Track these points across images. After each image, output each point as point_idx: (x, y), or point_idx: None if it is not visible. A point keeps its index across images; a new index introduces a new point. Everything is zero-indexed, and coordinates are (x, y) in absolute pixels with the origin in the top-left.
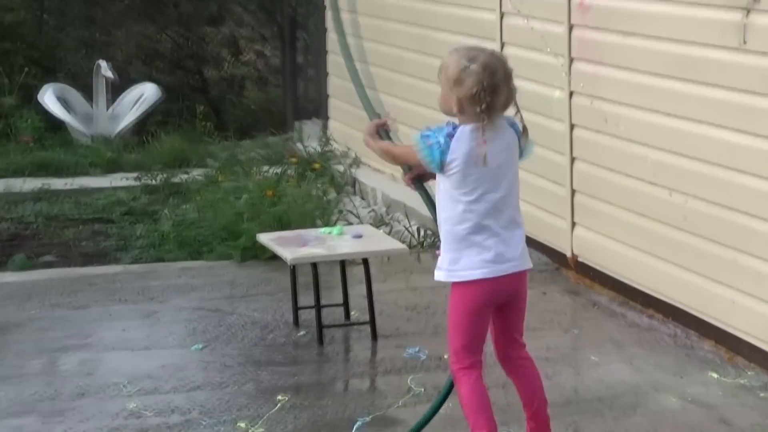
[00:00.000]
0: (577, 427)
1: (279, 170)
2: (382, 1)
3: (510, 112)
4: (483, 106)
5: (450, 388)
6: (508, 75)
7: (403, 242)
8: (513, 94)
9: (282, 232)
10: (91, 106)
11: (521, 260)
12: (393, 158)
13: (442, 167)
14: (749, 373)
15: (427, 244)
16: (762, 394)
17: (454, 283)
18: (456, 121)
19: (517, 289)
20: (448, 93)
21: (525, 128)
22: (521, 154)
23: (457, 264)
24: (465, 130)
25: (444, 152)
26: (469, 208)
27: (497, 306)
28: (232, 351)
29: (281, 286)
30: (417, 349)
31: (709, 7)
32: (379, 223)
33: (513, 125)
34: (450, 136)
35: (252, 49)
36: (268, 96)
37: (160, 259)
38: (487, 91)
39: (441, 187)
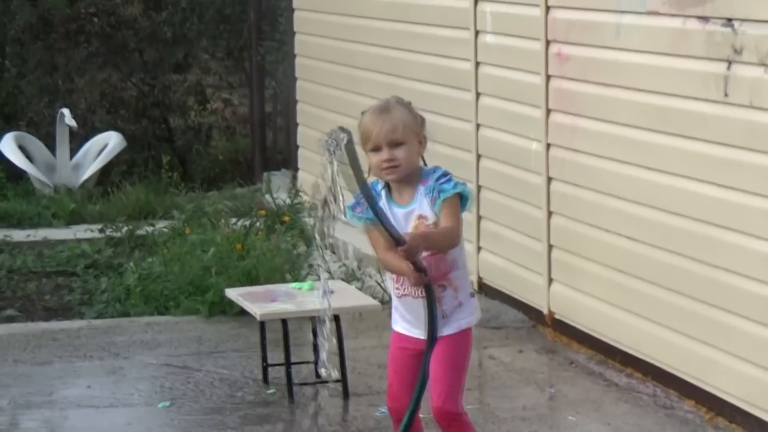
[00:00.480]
0: None
1: (247, 223)
2: (354, 49)
3: None
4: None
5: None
6: None
7: (375, 298)
8: None
9: (251, 287)
10: (54, 156)
11: None
12: (456, 233)
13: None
14: None
15: None
16: None
17: (469, 328)
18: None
19: None
20: (414, 142)
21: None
22: None
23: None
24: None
25: (468, 196)
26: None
27: None
28: (200, 409)
29: (250, 342)
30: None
31: (691, 59)
32: (350, 278)
33: None
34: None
35: (219, 97)
36: (235, 146)
37: (126, 314)
38: None
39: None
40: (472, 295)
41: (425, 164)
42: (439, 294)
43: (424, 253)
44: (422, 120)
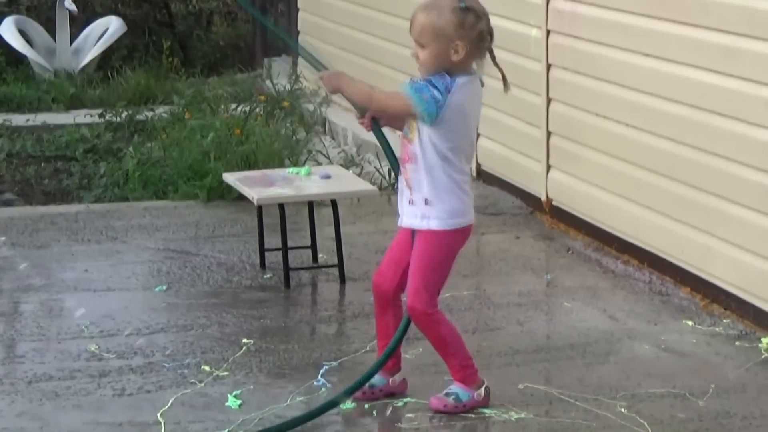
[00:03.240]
0: (549, 374)
1: (247, 108)
2: None
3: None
4: (489, 38)
5: (407, 326)
6: None
7: (374, 184)
8: None
9: (249, 171)
10: (54, 40)
11: None
12: (377, 103)
13: (435, 119)
14: (725, 321)
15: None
16: (737, 343)
17: (441, 231)
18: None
19: None
20: (442, 45)
21: (505, 78)
22: None
23: (452, 212)
24: (461, 84)
25: (442, 107)
26: (453, 159)
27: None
28: (197, 293)
29: (248, 227)
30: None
31: None
32: (349, 163)
33: (480, 78)
34: (447, 90)
35: None
36: (236, 31)
37: (124, 199)
38: (488, 20)
39: (428, 136)
40: (426, 202)
41: (470, 71)
42: (407, 176)
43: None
44: (468, 26)
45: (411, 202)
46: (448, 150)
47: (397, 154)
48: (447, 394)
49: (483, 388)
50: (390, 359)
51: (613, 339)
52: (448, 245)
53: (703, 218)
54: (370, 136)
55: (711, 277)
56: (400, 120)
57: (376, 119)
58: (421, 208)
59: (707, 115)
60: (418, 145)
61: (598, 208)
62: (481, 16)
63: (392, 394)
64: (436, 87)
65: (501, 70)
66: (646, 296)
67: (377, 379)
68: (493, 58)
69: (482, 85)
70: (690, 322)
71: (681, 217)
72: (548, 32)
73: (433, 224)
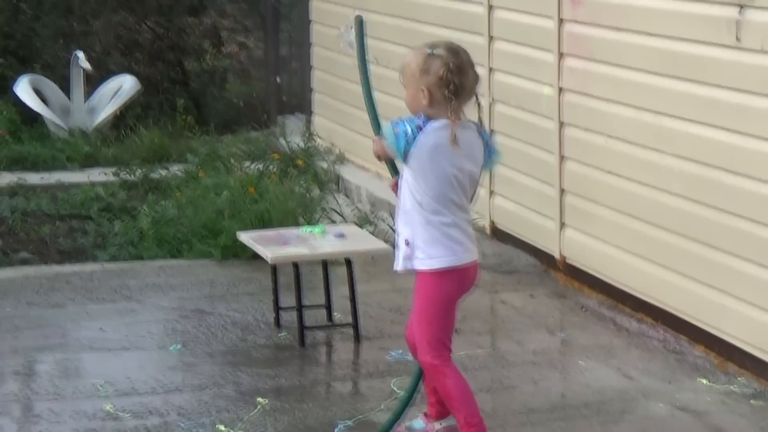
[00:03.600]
0: None
1: (261, 166)
2: None
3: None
4: (451, 87)
5: (419, 379)
6: (470, 58)
7: (388, 242)
8: (478, 78)
9: (263, 230)
10: (68, 99)
11: (474, 250)
12: (382, 152)
13: (405, 157)
14: (740, 379)
15: None
16: (753, 402)
17: (435, 272)
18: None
19: (474, 279)
20: (414, 88)
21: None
22: (486, 163)
23: (432, 254)
24: (435, 126)
25: (409, 143)
26: (434, 202)
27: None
28: (212, 352)
29: (262, 286)
30: (401, 351)
31: (703, 3)
32: (363, 221)
33: (482, 134)
34: (419, 128)
35: (234, 40)
36: (250, 89)
37: (139, 257)
38: (454, 71)
39: (403, 180)
40: (407, 243)
41: (452, 115)
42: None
43: None
44: (432, 72)
45: (397, 246)
46: (424, 193)
47: None
48: None
49: None
50: (408, 406)
51: (628, 397)
52: (437, 290)
53: (717, 276)
54: (384, 194)
55: (725, 335)
56: None
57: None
58: (404, 249)
59: (720, 173)
60: (401, 187)
61: (612, 265)
62: (448, 63)
63: None
64: (409, 124)
65: (480, 118)
66: (661, 354)
67: (418, 423)
68: (471, 106)
69: (480, 134)
70: (705, 381)
71: (695, 275)
72: (561, 90)
73: (417, 264)
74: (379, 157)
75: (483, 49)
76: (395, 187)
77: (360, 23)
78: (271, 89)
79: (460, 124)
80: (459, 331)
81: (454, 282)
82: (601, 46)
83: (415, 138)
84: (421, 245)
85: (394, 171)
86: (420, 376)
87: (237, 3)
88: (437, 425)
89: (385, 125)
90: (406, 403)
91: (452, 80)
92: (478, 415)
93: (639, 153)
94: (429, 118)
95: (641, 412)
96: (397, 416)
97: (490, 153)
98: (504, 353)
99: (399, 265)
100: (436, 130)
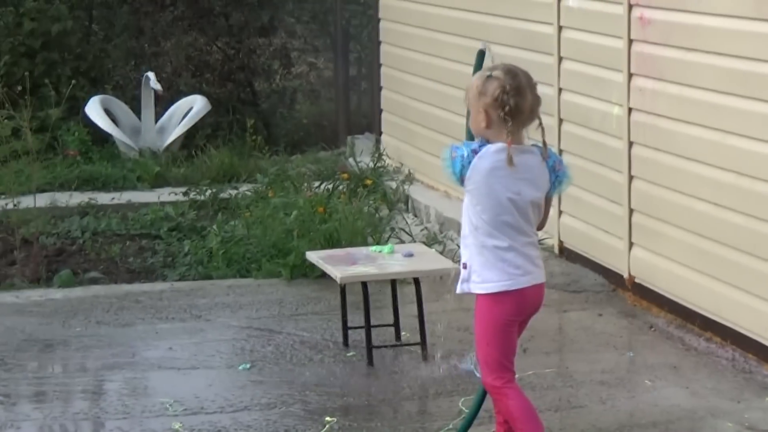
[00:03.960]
0: None
1: (330, 186)
2: (438, 12)
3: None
4: (507, 109)
5: (482, 398)
6: (530, 80)
7: (456, 261)
8: (539, 101)
9: (332, 250)
10: (139, 119)
11: (539, 272)
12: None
13: (462, 181)
14: None
15: None
16: None
17: (490, 295)
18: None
19: (538, 301)
20: (475, 111)
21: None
22: (553, 187)
23: (484, 275)
24: (492, 150)
25: (465, 167)
26: (488, 225)
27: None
28: (280, 371)
29: (331, 305)
30: (470, 364)
31: None
32: (431, 241)
33: (548, 157)
34: (475, 151)
35: (304, 61)
36: (320, 109)
37: (208, 277)
38: (510, 93)
39: (464, 201)
40: (464, 266)
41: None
42: None
43: None
44: (488, 95)
45: (463, 265)
46: (479, 217)
47: None
48: None
49: None
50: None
51: (696, 417)
52: (493, 313)
53: None
54: (453, 213)
55: None
56: None
57: None
58: (462, 272)
59: None
60: (462, 212)
61: (680, 285)
62: (504, 84)
63: None
64: (466, 148)
65: (544, 142)
66: (729, 374)
67: None
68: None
69: (543, 157)
70: None
71: (764, 294)
72: (630, 110)
73: (473, 287)
74: None
75: (553, 69)
76: None
77: (481, 55)
78: (340, 109)
79: (519, 148)
80: (527, 351)
81: (511, 305)
82: (670, 65)
83: (470, 161)
84: (477, 269)
85: None
86: (483, 394)
87: (307, 24)
88: None
89: (445, 149)
90: (470, 421)
91: (508, 102)
92: None
93: (707, 172)
94: (488, 142)
95: (709, 431)
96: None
97: (558, 177)
98: (572, 372)
99: (458, 287)
100: (492, 153)
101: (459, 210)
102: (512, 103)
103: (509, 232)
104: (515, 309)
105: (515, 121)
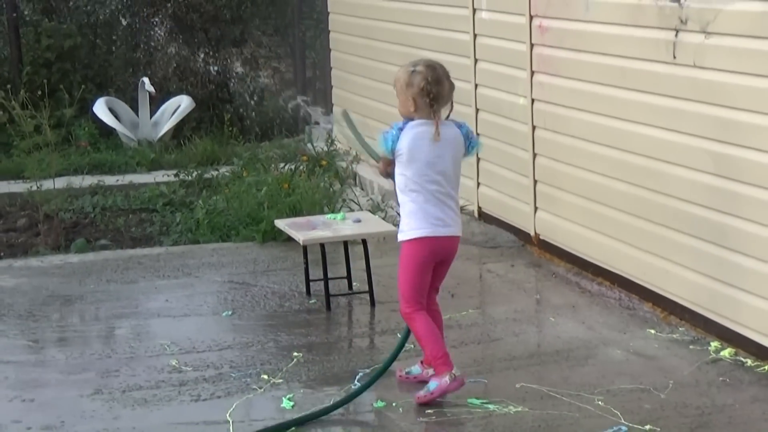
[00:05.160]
0: (540, 375)
1: (293, 167)
2: (377, 25)
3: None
4: (431, 96)
5: (408, 331)
6: (445, 71)
7: (396, 225)
8: (453, 86)
9: (295, 218)
10: (137, 116)
11: (455, 227)
12: (384, 169)
13: (392, 153)
14: (680, 329)
15: None
16: (691, 347)
17: (412, 240)
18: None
19: (451, 250)
20: (403, 97)
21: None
22: (468, 151)
23: (409, 225)
24: (412, 124)
25: (394, 142)
26: (414, 184)
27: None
28: (256, 316)
29: (295, 262)
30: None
31: (646, 28)
32: (375, 209)
33: (461, 127)
34: (400, 129)
35: (269, 65)
36: (283, 105)
37: (196, 242)
38: (432, 83)
39: (396, 168)
40: (399, 217)
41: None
42: None
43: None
44: (415, 85)
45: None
46: (407, 177)
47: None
48: (425, 388)
49: (448, 375)
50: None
51: (591, 345)
52: (410, 253)
53: (660, 245)
54: (392, 187)
55: (669, 293)
56: None
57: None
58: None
59: (660, 163)
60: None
61: (576, 240)
62: (427, 77)
63: (424, 382)
64: (393, 129)
65: (436, 122)
66: (617, 311)
67: (415, 369)
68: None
69: (465, 134)
70: (653, 331)
71: (643, 245)
72: (533, 101)
73: (400, 236)
74: (386, 174)
75: (470, 69)
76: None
77: (346, 116)
78: (299, 105)
79: (441, 123)
80: (454, 296)
81: (428, 249)
82: (564, 64)
83: (398, 137)
84: (404, 220)
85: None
86: (408, 330)
87: (271, 36)
88: (430, 371)
89: (380, 133)
90: (399, 349)
91: (431, 90)
92: (443, 350)
93: (596, 149)
94: (412, 120)
95: (602, 357)
96: (392, 359)
97: (471, 143)
98: (491, 312)
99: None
100: (414, 126)
101: None
102: (434, 90)
103: (431, 188)
104: (430, 253)
105: (437, 105)
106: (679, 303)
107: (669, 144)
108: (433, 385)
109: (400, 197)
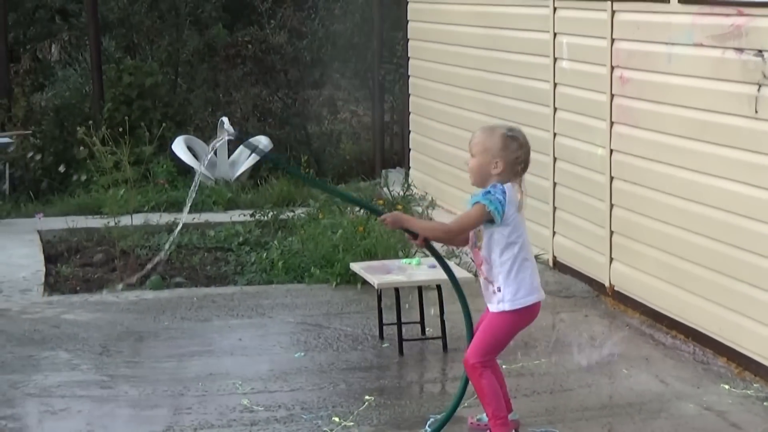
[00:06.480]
0: (612, 427)
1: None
2: (456, 71)
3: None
4: (522, 165)
5: (466, 385)
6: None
7: (469, 272)
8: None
9: (370, 261)
10: (215, 155)
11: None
12: (457, 229)
13: (503, 219)
14: (755, 385)
15: None
16: (765, 404)
17: (512, 310)
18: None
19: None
20: (489, 158)
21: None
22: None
23: (517, 294)
24: (510, 188)
25: (504, 206)
26: (521, 248)
27: None
28: (328, 358)
29: (369, 306)
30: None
31: (728, 82)
32: (450, 255)
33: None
34: (503, 193)
35: (348, 109)
36: (360, 148)
37: (270, 282)
38: (527, 152)
39: (496, 236)
40: (499, 290)
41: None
42: (484, 275)
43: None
44: (510, 150)
45: (493, 292)
46: (514, 243)
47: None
48: None
49: None
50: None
51: (664, 399)
52: (512, 322)
53: (736, 301)
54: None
55: (743, 349)
56: (462, 239)
57: (426, 240)
58: (492, 297)
59: (741, 219)
60: (485, 248)
61: (651, 292)
62: (522, 146)
63: None
64: (496, 195)
65: (521, 192)
66: (691, 364)
67: (485, 417)
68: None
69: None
70: (726, 386)
71: (719, 300)
72: (611, 151)
73: (496, 309)
74: (397, 228)
75: (549, 118)
76: (423, 243)
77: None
78: (377, 148)
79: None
80: (527, 345)
81: (528, 316)
82: (644, 115)
83: (505, 200)
84: (507, 289)
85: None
86: (466, 382)
87: (350, 79)
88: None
89: (475, 198)
90: (459, 399)
91: (525, 160)
92: (504, 411)
93: (674, 202)
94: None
95: (674, 411)
96: (453, 409)
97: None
98: (563, 362)
99: (492, 307)
100: (510, 190)
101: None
102: (527, 159)
103: (530, 254)
104: (531, 319)
105: (523, 173)
106: (753, 359)
107: (747, 199)
108: None
109: (504, 264)
